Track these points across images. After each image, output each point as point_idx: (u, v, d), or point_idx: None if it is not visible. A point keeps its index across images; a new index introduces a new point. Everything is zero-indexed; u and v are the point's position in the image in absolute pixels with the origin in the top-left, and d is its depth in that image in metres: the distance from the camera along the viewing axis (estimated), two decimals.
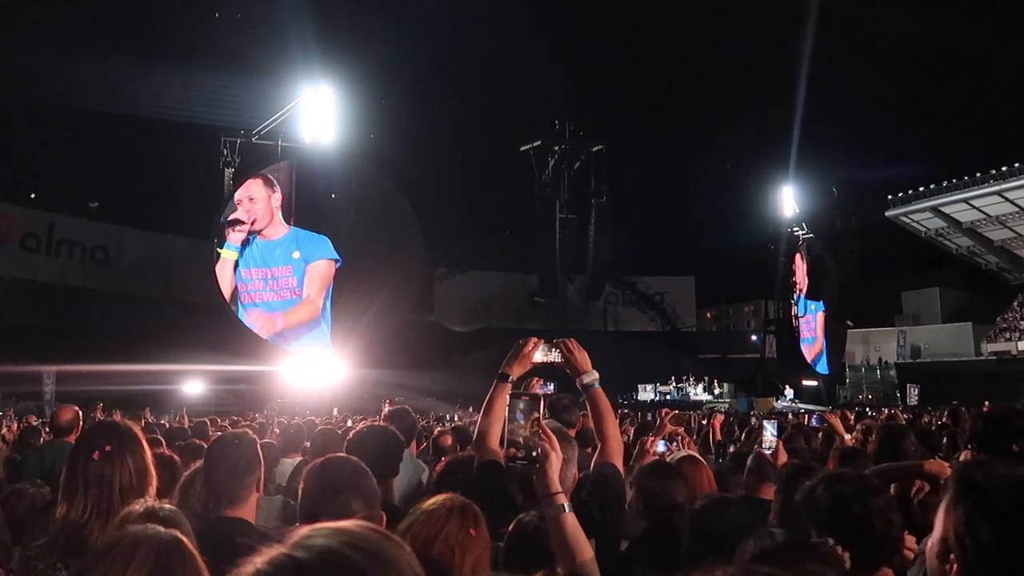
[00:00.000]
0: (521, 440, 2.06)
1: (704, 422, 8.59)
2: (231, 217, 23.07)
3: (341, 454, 2.35)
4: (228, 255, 23.04)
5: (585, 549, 1.99)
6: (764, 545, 1.84)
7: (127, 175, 33.55)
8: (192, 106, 27.84)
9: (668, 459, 3.96)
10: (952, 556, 1.28)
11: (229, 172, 24.54)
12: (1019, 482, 1.27)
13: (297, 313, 23.86)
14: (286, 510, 3.41)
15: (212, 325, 24.76)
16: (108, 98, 30.30)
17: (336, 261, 24.35)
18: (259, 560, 0.78)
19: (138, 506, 1.93)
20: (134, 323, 30.13)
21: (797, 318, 37.43)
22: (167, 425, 8.69)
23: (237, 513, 2.35)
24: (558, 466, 2.07)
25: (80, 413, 5.42)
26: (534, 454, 2.05)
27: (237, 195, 23.40)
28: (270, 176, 23.90)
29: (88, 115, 31.36)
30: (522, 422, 2.08)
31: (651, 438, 4.23)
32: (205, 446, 3.23)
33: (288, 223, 24.17)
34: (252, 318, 23.48)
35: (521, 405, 2.09)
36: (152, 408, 16.09)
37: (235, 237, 23.09)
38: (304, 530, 0.80)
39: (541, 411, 2.09)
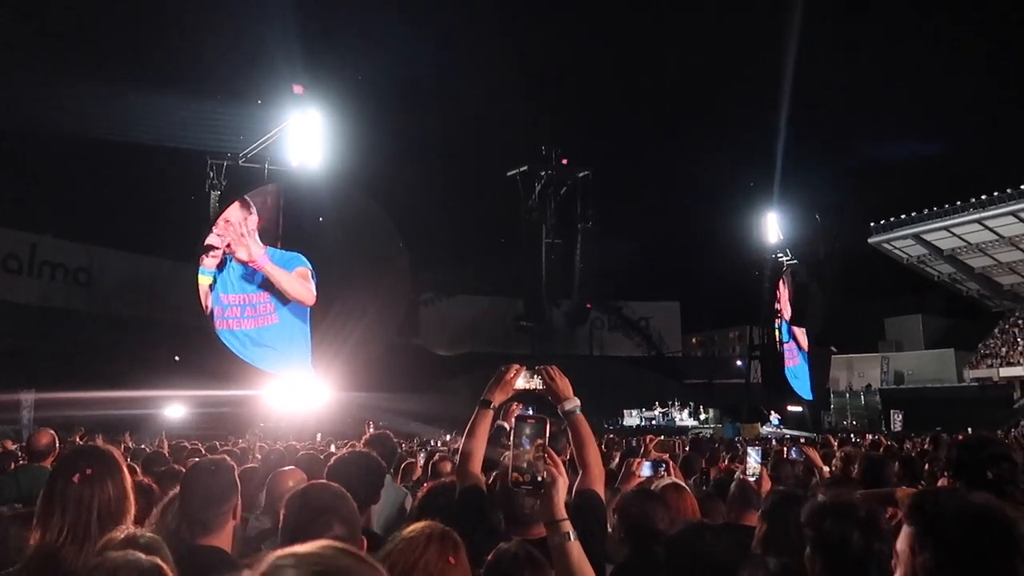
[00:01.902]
0: (526, 465, 2.01)
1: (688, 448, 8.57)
2: (205, 243, 23.10)
3: (322, 480, 2.33)
4: (203, 280, 23.04)
5: (587, 569, 1.95)
6: (756, 574, 1.83)
7: (112, 196, 33.34)
8: (179, 128, 27.82)
9: (652, 487, 3.95)
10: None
11: (215, 195, 24.50)
12: (963, 511, 1.36)
13: (286, 278, 23.64)
14: None
15: (195, 348, 24.53)
16: (94, 120, 30.23)
17: (311, 271, 24.23)
18: None
19: (119, 533, 1.89)
20: (117, 345, 29.82)
21: (781, 344, 37.59)
22: (147, 450, 8.57)
23: (213, 541, 2.32)
24: (564, 492, 2.04)
25: (56, 437, 5.34)
26: (539, 479, 2.00)
27: (213, 218, 23.46)
28: (247, 198, 23.85)
29: (74, 137, 31.27)
30: (527, 447, 2.01)
31: (637, 460, 4.20)
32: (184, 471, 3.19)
33: (275, 245, 24.10)
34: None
35: (527, 430, 2.03)
36: (132, 433, 15.85)
37: (209, 262, 23.08)
38: (272, 556, 0.76)
39: (547, 436, 2.03)
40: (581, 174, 33.94)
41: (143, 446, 10.69)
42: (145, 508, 2.90)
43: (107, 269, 35.88)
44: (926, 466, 5.10)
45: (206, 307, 23.01)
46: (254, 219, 23.67)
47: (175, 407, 23.42)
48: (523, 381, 2.70)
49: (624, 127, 50.88)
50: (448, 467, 5.52)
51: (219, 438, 15.20)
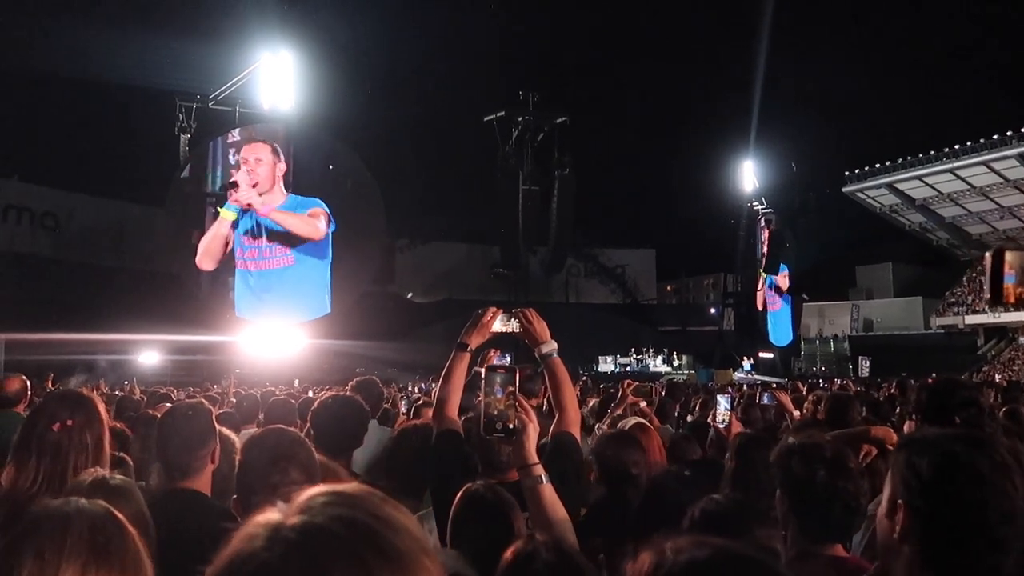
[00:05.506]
0: (497, 413, 2.08)
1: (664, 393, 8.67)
2: (231, 179, 22.33)
3: (280, 426, 2.30)
4: (227, 215, 22.32)
5: (560, 510, 2.06)
6: (709, 508, 1.88)
7: (78, 139, 32.47)
8: (146, 69, 27.01)
9: (621, 426, 4.04)
10: (899, 503, 1.37)
11: (185, 138, 23.99)
12: (950, 434, 1.40)
13: (291, 221, 22.93)
14: None
15: (168, 294, 24.27)
16: (59, 60, 29.24)
17: (326, 213, 23.54)
18: (270, 523, 0.67)
19: (87, 476, 1.86)
20: (87, 291, 29.40)
21: (762, 290, 37.86)
22: (119, 395, 8.54)
23: (191, 485, 2.31)
24: (535, 438, 2.11)
25: (28, 383, 5.26)
26: (511, 426, 2.07)
27: (242, 154, 22.63)
28: (277, 146, 23.21)
29: (38, 78, 30.26)
30: (500, 396, 2.08)
31: (629, 381, 4.34)
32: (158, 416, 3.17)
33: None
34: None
35: (498, 379, 2.10)
36: (105, 379, 15.75)
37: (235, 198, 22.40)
38: (307, 494, 0.71)
39: (517, 384, 2.11)
40: (558, 120, 33.53)
41: (116, 391, 10.65)
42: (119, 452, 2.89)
43: (75, 214, 35.15)
44: (896, 410, 5.22)
45: (223, 246, 22.50)
46: (282, 167, 23.06)
47: (149, 354, 23.28)
48: (500, 324, 2.70)
49: (602, 75, 50.28)
50: (430, 413, 5.53)
51: (195, 384, 15.17)
